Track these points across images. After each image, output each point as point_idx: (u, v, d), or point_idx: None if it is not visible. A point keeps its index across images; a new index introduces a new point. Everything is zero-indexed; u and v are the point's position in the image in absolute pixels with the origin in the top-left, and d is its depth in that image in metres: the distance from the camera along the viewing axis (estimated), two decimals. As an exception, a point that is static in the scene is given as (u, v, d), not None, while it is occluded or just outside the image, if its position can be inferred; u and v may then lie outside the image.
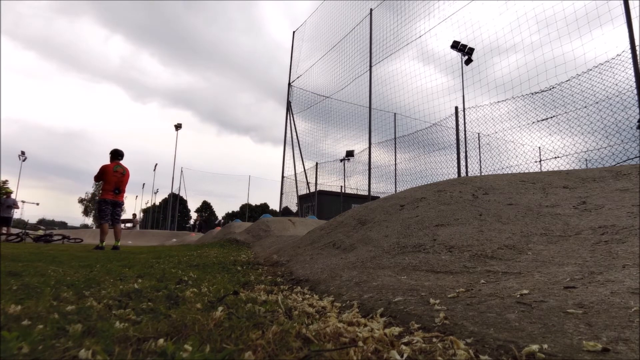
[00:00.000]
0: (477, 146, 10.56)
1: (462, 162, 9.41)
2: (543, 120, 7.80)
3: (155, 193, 43.44)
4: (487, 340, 0.76)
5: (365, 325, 0.94)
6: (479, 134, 10.11)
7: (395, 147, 13.19)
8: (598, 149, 6.69)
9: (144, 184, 49.00)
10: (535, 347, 0.68)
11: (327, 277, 1.81)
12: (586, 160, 7.39)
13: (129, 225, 17.45)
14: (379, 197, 9.66)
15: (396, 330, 0.87)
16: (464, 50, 12.88)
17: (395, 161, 13.20)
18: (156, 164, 39.03)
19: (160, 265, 2.81)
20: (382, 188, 13.11)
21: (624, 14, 5.66)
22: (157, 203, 46.24)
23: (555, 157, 7.75)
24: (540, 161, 8.99)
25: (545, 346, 0.68)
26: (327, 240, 2.94)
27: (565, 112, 7.26)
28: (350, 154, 15.71)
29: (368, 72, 11.44)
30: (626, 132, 6.19)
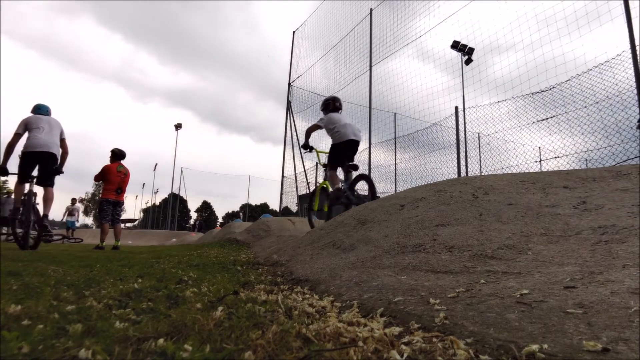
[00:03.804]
0: (477, 146, 10.57)
1: (462, 162, 9.42)
2: (543, 120, 7.81)
3: (155, 193, 43.54)
4: (487, 340, 0.76)
5: (365, 325, 0.94)
6: (479, 134, 10.12)
7: (395, 147, 13.18)
8: (598, 149, 6.69)
9: (144, 184, 49.07)
10: (535, 347, 0.68)
11: (327, 277, 1.81)
12: (586, 160, 7.39)
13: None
14: (379, 197, 9.64)
15: (396, 330, 0.87)
16: (464, 50, 12.88)
17: (395, 161, 13.19)
18: (156, 164, 39.12)
19: (160, 265, 2.81)
20: (382, 188, 13.10)
21: (624, 14, 5.65)
22: (157, 203, 46.36)
23: (555, 157, 7.76)
24: (540, 161, 8.99)
25: (545, 346, 0.68)
26: (327, 240, 2.94)
27: (565, 112, 7.27)
28: (350, 154, 15.67)
29: (368, 71, 11.43)
30: (626, 132, 6.19)
